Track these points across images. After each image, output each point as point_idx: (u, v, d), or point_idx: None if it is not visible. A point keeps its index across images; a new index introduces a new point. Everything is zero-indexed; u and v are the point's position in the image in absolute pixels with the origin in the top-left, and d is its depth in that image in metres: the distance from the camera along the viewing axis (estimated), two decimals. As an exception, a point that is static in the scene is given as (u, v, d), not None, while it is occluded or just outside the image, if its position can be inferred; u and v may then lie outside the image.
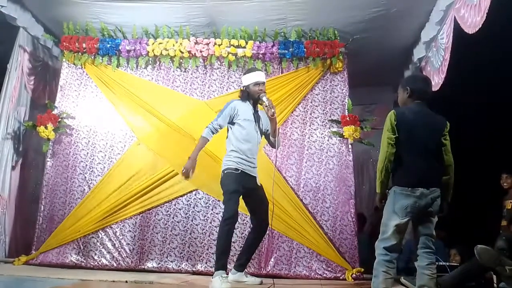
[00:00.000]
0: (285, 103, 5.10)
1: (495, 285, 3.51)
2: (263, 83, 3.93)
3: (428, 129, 2.84)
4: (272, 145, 4.03)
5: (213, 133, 3.85)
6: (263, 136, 4.04)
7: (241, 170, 3.74)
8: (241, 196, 3.80)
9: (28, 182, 5.68)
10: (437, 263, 3.95)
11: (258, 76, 3.92)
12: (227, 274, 3.70)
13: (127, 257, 4.81)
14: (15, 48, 5.38)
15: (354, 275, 4.49)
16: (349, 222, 4.78)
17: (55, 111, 5.25)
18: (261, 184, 3.92)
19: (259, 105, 3.98)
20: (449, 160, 2.89)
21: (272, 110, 3.77)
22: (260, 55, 5.18)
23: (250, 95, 3.91)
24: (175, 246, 4.83)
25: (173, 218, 4.92)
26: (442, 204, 2.89)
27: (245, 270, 3.98)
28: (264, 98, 3.81)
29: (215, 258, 3.70)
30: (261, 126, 3.97)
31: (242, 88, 3.98)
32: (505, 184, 4.65)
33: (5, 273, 3.95)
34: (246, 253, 3.96)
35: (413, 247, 4.82)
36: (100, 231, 4.92)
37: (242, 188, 3.73)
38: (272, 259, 4.72)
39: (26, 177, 5.63)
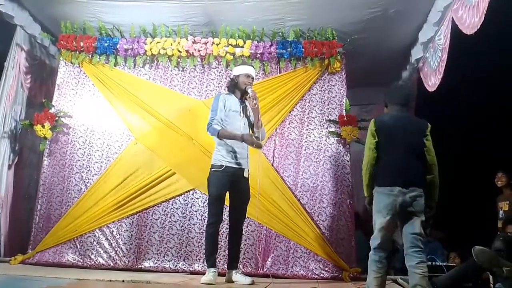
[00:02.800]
0: (283, 103, 5.10)
1: (491, 285, 3.52)
2: (253, 78, 4.11)
3: (407, 132, 3.00)
4: (257, 138, 4.02)
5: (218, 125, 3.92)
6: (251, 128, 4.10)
7: (225, 166, 3.85)
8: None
9: (25, 181, 5.66)
10: (433, 263, 3.98)
11: (249, 69, 4.13)
12: (217, 270, 3.84)
13: (124, 256, 4.81)
14: (12, 47, 5.35)
15: (351, 275, 4.49)
16: (346, 222, 4.78)
17: (52, 110, 5.23)
18: (248, 176, 3.97)
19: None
20: (432, 159, 3.01)
21: (255, 101, 3.90)
22: (258, 55, 5.18)
23: (237, 86, 4.05)
24: (172, 246, 4.82)
25: (170, 217, 4.91)
26: (430, 203, 3.00)
27: (237, 268, 4.02)
28: (249, 90, 3.96)
29: (205, 258, 3.96)
30: (249, 117, 4.06)
31: (231, 78, 4.13)
32: (499, 182, 4.65)
33: (1, 272, 3.93)
34: (230, 251, 4.04)
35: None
36: (97, 230, 4.90)
37: (226, 184, 3.87)
38: (269, 259, 4.71)
39: (23, 176, 5.61)
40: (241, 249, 4.24)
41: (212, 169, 3.92)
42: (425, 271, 2.85)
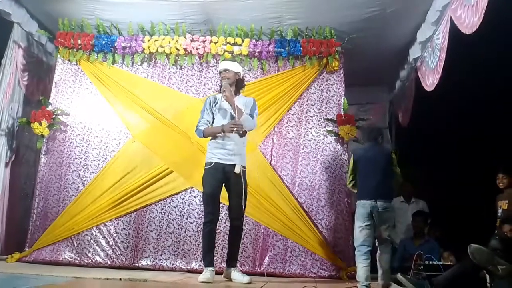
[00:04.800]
0: (281, 101, 5.09)
1: (488, 284, 3.52)
2: (224, 70, 4.05)
3: (377, 159, 3.97)
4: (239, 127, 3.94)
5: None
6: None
7: (214, 163, 3.87)
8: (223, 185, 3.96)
9: (21, 179, 5.64)
10: (430, 262, 4.00)
11: (221, 64, 4.17)
12: (214, 269, 3.86)
13: (121, 254, 4.80)
14: (10, 44, 5.34)
15: (348, 273, 4.50)
16: (344, 221, 4.79)
17: (49, 108, 5.22)
18: (240, 172, 3.86)
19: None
20: (397, 175, 4.02)
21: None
22: (256, 53, 5.18)
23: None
24: (170, 244, 4.82)
25: (167, 216, 4.90)
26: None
27: (236, 266, 3.98)
28: (223, 83, 4.00)
29: (202, 257, 3.98)
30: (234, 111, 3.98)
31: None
32: (501, 184, 4.65)
33: (-2, 270, 3.92)
34: (228, 248, 4.04)
35: (407, 246, 4.89)
36: (94, 228, 4.89)
37: (219, 180, 3.88)
38: (267, 258, 4.71)
39: (20, 174, 5.59)
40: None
41: (205, 167, 3.94)
42: (386, 260, 3.88)
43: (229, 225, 4.10)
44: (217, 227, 4.10)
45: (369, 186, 3.92)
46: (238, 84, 4.10)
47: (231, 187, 3.92)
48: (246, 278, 3.80)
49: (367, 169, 3.98)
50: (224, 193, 3.99)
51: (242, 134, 3.93)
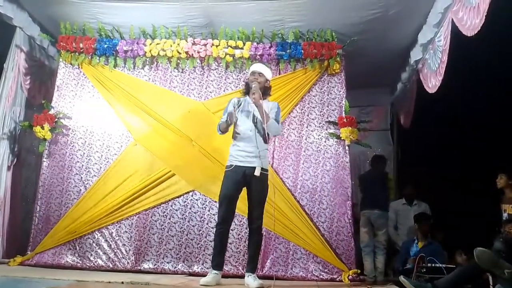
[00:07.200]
0: (282, 104, 5.05)
1: (491, 286, 3.51)
2: (259, 73, 4.00)
3: (374, 179, 5.55)
4: (265, 133, 3.88)
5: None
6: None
7: (234, 165, 3.83)
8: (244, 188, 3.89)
9: (23, 182, 5.65)
10: (433, 265, 3.99)
11: (254, 66, 4.10)
12: (220, 272, 3.79)
13: (123, 258, 4.80)
14: (12, 48, 5.36)
15: (350, 276, 4.48)
16: (345, 223, 4.78)
17: (51, 111, 5.22)
18: (260, 175, 3.79)
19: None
20: (390, 189, 5.86)
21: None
22: (258, 56, 5.18)
23: (249, 86, 3.97)
24: (172, 247, 4.81)
25: (169, 219, 4.90)
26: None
27: (251, 272, 3.81)
28: (252, 85, 3.89)
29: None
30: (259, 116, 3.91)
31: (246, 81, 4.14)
32: (498, 184, 4.65)
33: (0, 274, 3.92)
34: (248, 254, 3.94)
35: (410, 249, 4.88)
36: (96, 231, 4.89)
37: (237, 183, 3.82)
38: (269, 261, 4.71)
39: (22, 177, 5.60)
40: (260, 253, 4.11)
41: (225, 170, 3.92)
42: (381, 260, 5.26)
43: (242, 233, 4.05)
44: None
45: (368, 200, 5.37)
46: (265, 90, 4.02)
47: (251, 190, 3.85)
48: (255, 283, 3.67)
49: (368, 186, 5.49)
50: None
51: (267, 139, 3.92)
